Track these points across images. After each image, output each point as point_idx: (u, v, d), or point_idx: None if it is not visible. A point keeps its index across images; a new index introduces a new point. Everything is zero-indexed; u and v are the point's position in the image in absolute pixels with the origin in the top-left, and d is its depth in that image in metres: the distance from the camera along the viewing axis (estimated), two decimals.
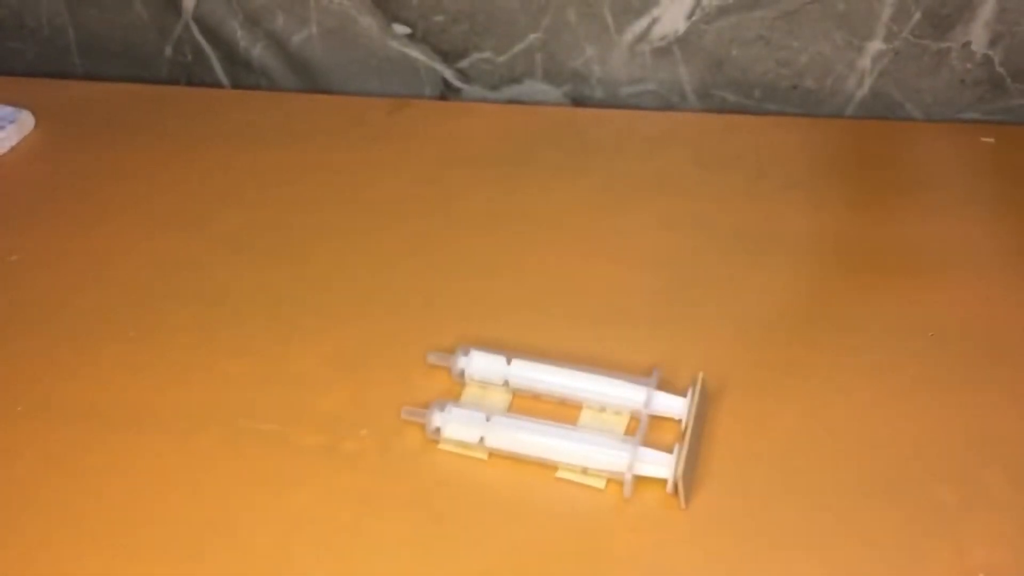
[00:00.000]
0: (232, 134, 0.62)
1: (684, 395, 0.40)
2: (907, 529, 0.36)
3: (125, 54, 0.71)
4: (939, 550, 0.35)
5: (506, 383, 0.42)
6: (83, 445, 0.41)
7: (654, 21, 0.61)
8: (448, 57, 0.66)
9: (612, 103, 0.65)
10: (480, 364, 0.42)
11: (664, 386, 0.41)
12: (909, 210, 0.53)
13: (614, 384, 0.40)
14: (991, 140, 0.58)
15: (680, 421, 0.40)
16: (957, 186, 0.55)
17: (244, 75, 0.70)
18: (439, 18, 0.64)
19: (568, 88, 0.66)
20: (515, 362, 0.42)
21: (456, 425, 0.39)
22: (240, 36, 0.68)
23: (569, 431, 0.39)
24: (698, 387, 0.40)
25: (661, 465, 0.37)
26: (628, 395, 0.40)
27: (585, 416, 0.41)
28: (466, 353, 0.42)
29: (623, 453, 0.37)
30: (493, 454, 0.39)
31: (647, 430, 0.39)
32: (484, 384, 0.42)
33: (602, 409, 0.41)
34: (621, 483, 0.37)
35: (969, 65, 0.59)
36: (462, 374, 0.42)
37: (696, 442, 0.38)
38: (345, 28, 0.66)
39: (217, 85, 0.71)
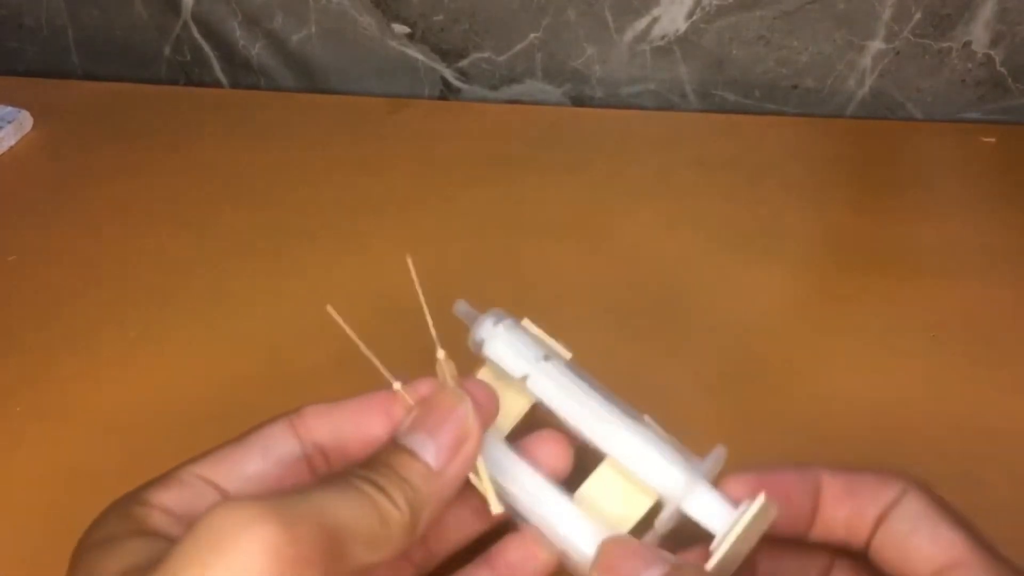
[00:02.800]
0: (231, 134, 0.62)
1: (736, 506, 0.27)
2: None
3: (124, 54, 0.71)
4: None
5: (526, 383, 0.31)
6: (83, 446, 0.41)
7: (654, 20, 0.61)
8: (448, 57, 0.66)
9: (612, 103, 0.65)
10: (505, 347, 0.31)
11: (721, 476, 0.29)
12: (910, 210, 0.53)
13: (657, 455, 0.29)
14: (992, 140, 0.58)
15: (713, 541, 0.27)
16: (958, 186, 0.55)
17: (243, 75, 0.70)
18: (439, 17, 0.64)
19: (568, 88, 0.66)
20: (551, 364, 0.31)
21: None
22: (239, 36, 0.68)
23: (563, 507, 0.28)
24: (754, 510, 0.26)
25: None
26: (667, 476, 0.28)
27: (603, 474, 0.29)
28: (497, 322, 0.31)
29: None
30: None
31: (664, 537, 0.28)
32: (501, 374, 0.32)
33: (628, 476, 0.29)
34: None
35: (970, 65, 0.59)
36: (480, 347, 0.32)
37: None
38: (344, 28, 0.66)
39: (216, 85, 0.71)
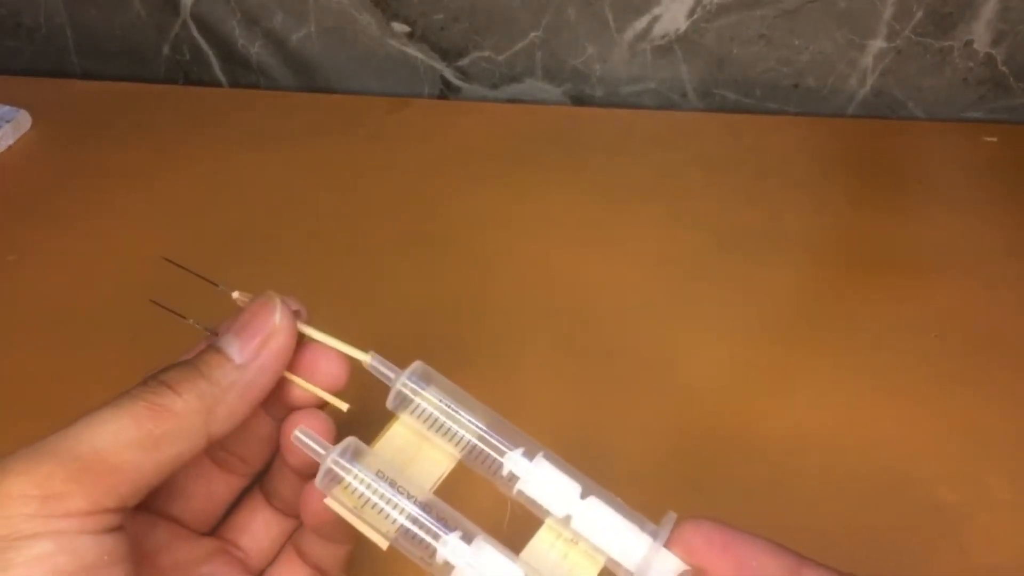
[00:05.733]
0: (230, 133, 0.62)
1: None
2: (908, 529, 0.36)
3: (123, 53, 0.71)
4: (940, 551, 0.35)
5: (452, 437, 0.27)
6: None
7: (655, 19, 0.61)
8: (448, 55, 0.66)
9: (613, 102, 0.65)
10: (545, 485, 0.26)
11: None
12: (911, 209, 0.53)
13: (610, 523, 0.25)
14: (994, 139, 0.58)
15: None
16: (959, 186, 0.54)
17: (242, 74, 0.70)
18: (438, 16, 0.64)
19: (568, 87, 0.65)
20: (594, 499, 0.26)
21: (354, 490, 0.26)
22: (238, 35, 0.68)
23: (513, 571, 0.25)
24: None
25: None
26: (621, 543, 0.25)
27: (544, 538, 0.26)
28: (531, 455, 0.26)
29: None
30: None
31: None
32: (418, 431, 0.28)
33: (572, 541, 0.26)
34: None
35: (971, 64, 0.59)
36: (400, 403, 0.27)
37: None
38: (344, 26, 0.66)
39: (215, 84, 0.71)
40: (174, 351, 0.46)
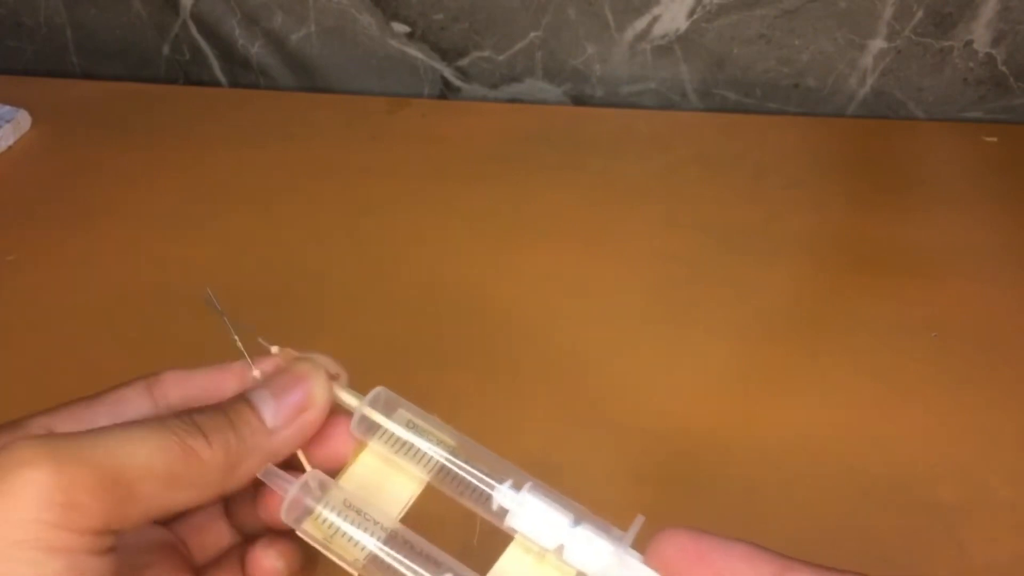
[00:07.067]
0: (230, 133, 0.62)
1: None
2: (907, 529, 0.36)
3: (123, 53, 0.71)
4: (940, 550, 0.35)
5: (426, 463, 0.27)
6: None
7: (655, 19, 0.61)
8: (448, 56, 0.66)
9: (612, 102, 0.65)
10: (535, 516, 0.25)
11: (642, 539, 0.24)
12: (911, 210, 0.53)
13: (574, 530, 0.25)
14: (994, 139, 0.58)
15: None
16: (959, 186, 0.54)
17: (242, 74, 0.70)
18: (438, 16, 0.64)
19: (568, 87, 0.65)
20: (585, 527, 0.25)
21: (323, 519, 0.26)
22: (238, 35, 0.68)
23: None
24: None
25: None
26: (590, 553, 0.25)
27: (513, 555, 0.26)
28: (517, 487, 0.26)
29: None
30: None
31: None
32: (389, 458, 0.27)
33: (540, 554, 0.25)
34: None
35: (971, 64, 0.59)
36: (367, 430, 0.27)
37: None
38: (344, 27, 0.66)
39: (215, 84, 0.71)
40: (174, 351, 0.46)
